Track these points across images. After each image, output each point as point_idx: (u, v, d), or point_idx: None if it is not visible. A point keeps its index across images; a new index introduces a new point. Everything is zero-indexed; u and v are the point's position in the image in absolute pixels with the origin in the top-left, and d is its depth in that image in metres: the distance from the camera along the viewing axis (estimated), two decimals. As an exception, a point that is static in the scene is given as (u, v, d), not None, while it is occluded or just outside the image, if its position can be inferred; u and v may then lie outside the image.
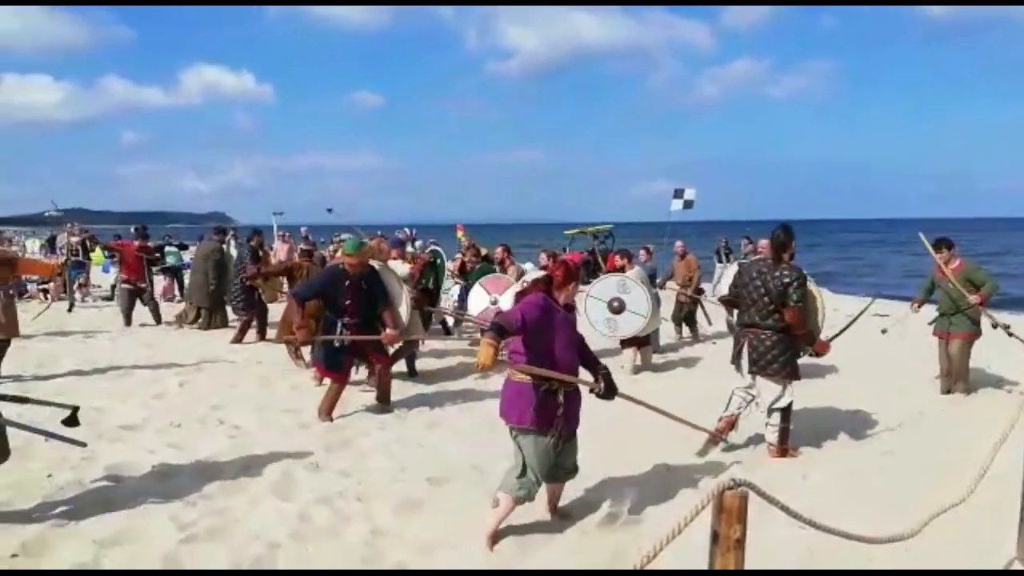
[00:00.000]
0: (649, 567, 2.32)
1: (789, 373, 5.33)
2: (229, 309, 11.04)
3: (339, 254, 7.11)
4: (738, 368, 5.53)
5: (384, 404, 6.55)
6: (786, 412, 5.40)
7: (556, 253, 11.05)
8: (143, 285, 11.45)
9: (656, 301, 8.64)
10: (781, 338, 5.25)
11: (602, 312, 8.30)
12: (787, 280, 5.14)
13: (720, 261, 19.34)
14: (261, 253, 10.73)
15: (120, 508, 4.21)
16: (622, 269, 8.72)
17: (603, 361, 4.41)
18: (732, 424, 5.65)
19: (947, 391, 7.43)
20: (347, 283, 6.17)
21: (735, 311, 5.79)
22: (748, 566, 2.35)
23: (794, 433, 5.64)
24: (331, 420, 6.12)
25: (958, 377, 7.38)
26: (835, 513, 4.30)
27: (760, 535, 3.74)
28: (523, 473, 3.97)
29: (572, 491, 4.75)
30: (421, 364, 8.64)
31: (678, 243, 10.06)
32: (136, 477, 4.71)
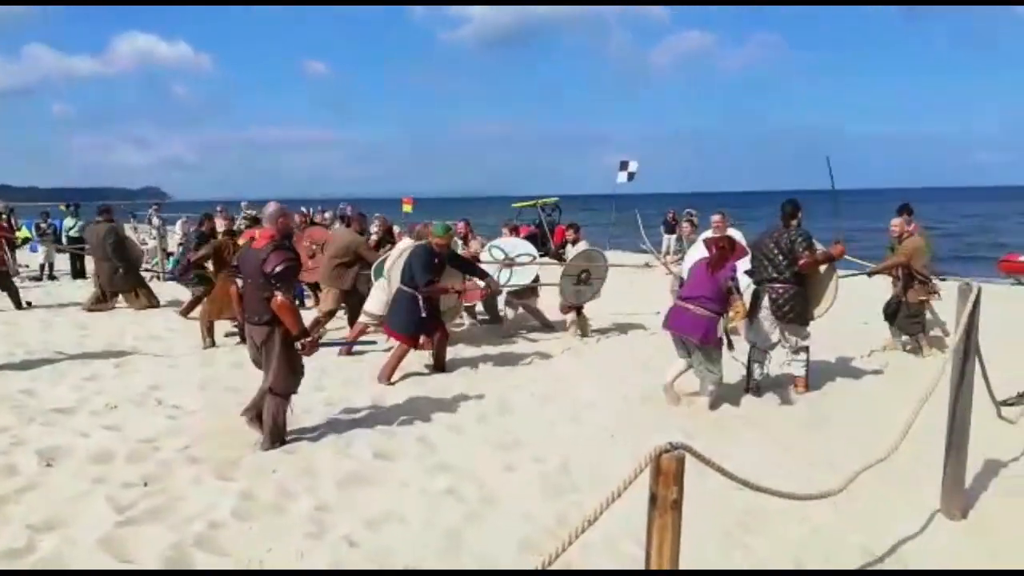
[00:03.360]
0: (591, 530, 2.37)
1: (805, 319, 6.31)
2: (178, 285, 10.74)
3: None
4: (750, 322, 6.33)
5: (442, 369, 7.18)
6: (807, 350, 6.37)
7: (517, 227, 11.59)
8: (2, 268, 10.86)
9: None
10: (798, 291, 6.20)
11: (569, 284, 8.80)
12: (795, 237, 6.20)
13: (667, 232, 19.71)
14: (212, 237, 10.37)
15: (53, 492, 4.09)
16: (574, 243, 9.23)
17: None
18: (757, 389, 6.37)
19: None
20: (436, 261, 6.93)
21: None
22: (685, 526, 2.42)
23: (729, 393, 6.20)
24: (391, 384, 6.64)
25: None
26: (770, 473, 4.48)
27: (697, 496, 3.86)
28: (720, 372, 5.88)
29: (519, 459, 4.81)
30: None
31: (715, 216, 9.31)
32: (70, 461, 4.56)
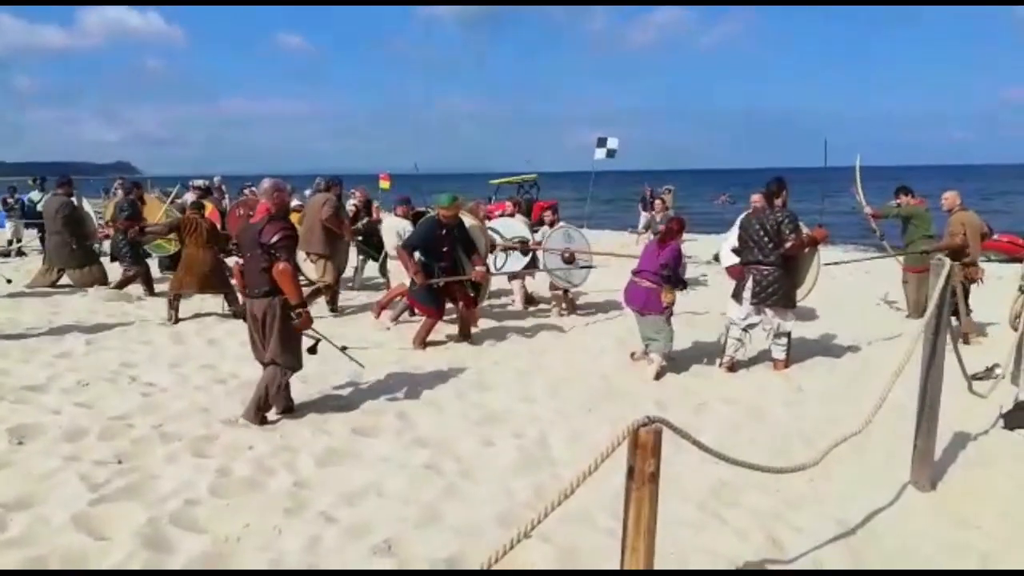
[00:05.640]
0: (569, 502, 2.38)
1: (789, 302, 6.29)
2: (112, 261, 10.57)
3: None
4: (738, 301, 6.37)
5: (467, 338, 7.32)
6: (789, 334, 6.40)
7: (519, 202, 11.75)
8: None
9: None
10: (782, 273, 6.18)
11: (557, 262, 8.75)
12: (780, 219, 6.14)
13: (645, 210, 19.78)
14: (140, 206, 10.17)
15: (25, 470, 4.03)
16: (551, 224, 9.10)
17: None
18: (733, 366, 6.41)
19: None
20: (443, 232, 6.97)
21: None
22: (662, 499, 2.44)
23: (706, 369, 6.39)
24: (424, 349, 6.95)
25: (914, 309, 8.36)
26: (745, 446, 4.55)
27: (674, 469, 3.91)
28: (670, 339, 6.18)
29: (498, 434, 4.83)
30: (340, 318, 8.59)
31: (755, 196, 9.18)
32: (42, 439, 4.49)
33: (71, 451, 4.31)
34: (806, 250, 6.40)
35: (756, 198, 7.63)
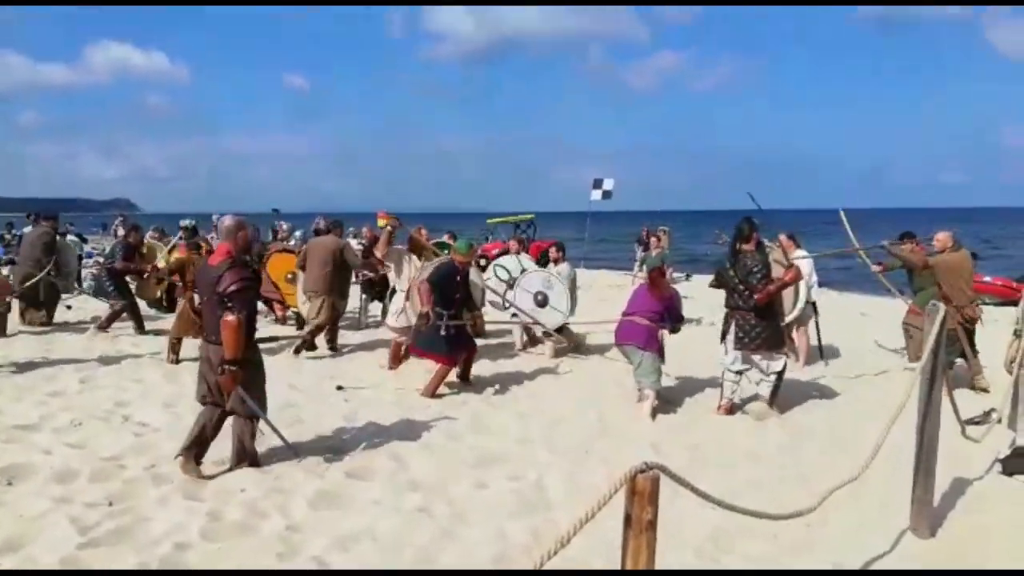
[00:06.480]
0: (563, 551, 2.35)
1: (777, 344, 6.21)
2: (93, 297, 10.47)
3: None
4: (725, 345, 6.27)
5: (466, 381, 7.24)
6: (780, 374, 6.27)
7: (523, 240, 12.01)
8: None
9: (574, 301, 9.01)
10: (762, 318, 6.07)
11: (529, 303, 8.73)
12: (750, 267, 6.03)
13: (644, 249, 19.92)
14: (143, 250, 10.01)
15: (14, 512, 3.97)
16: (555, 262, 9.16)
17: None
18: (730, 409, 6.35)
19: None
20: (459, 279, 6.94)
21: None
22: (659, 547, 2.42)
23: (703, 412, 6.36)
24: (435, 399, 6.67)
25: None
26: (742, 490, 4.51)
27: (671, 516, 3.87)
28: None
29: (492, 477, 4.79)
30: (338, 358, 8.57)
31: (782, 236, 9.20)
32: (32, 479, 4.44)
33: (62, 492, 4.26)
34: (782, 292, 6.34)
35: (782, 239, 7.87)
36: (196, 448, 4.64)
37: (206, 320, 4.66)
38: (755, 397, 6.47)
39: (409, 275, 7.79)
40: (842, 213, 9.17)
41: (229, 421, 4.76)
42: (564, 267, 9.08)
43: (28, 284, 9.50)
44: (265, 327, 10.19)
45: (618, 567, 2.43)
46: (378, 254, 8.39)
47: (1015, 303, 6.71)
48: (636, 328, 6.38)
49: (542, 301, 8.72)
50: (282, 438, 4.93)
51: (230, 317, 4.33)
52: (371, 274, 10.04)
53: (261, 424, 4.82)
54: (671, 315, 6.44)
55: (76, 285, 13.72)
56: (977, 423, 5.68)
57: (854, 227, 8.97)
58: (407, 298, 7.72)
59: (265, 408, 4.80)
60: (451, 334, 6.83)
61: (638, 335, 6.35)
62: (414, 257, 7.99)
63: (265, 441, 5.09)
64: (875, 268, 8.93)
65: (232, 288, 4.34)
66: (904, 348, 8.47)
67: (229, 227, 4.61)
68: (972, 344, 7.35)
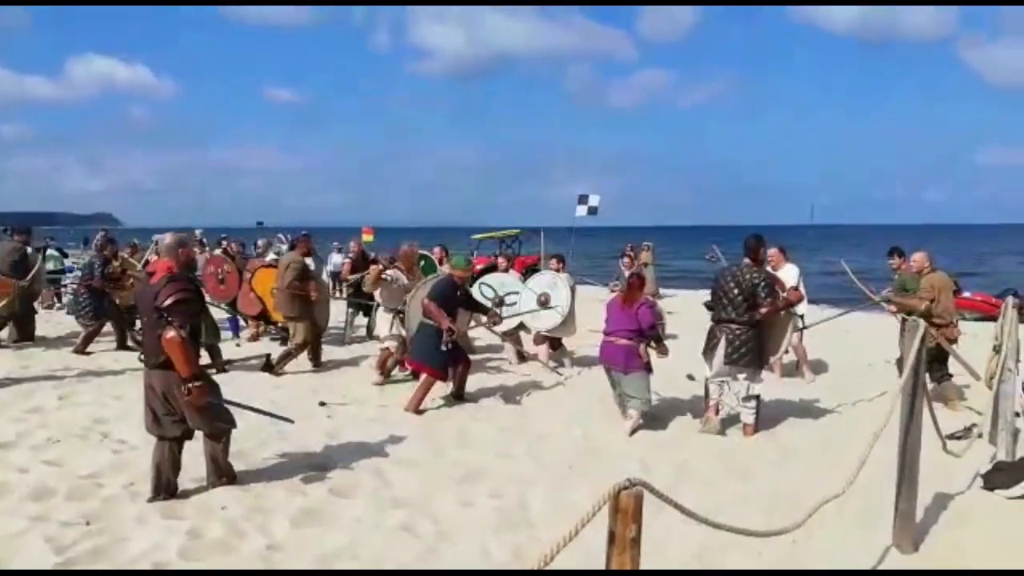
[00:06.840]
0: (548, 568, 2.33)
1: (760, 363, 6.22)
2: (67, 316, 10.29)
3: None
4: (708, 360, 6.25)
5: (460, 399, 7.17)
6: (759, 397, 6.24)
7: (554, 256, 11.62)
8: None
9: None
10: (754, 333, 6.07)
11: (531, 302, 8.92)
12: (756, 281, 6.02)
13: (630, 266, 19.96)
14: (116, 263, 9.64)
15: (-13, 532, 3.90)
16: (557, 271, 9.50)
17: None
18: (716, 409, 6.32)
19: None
20: (458, 294, 7.03)
21: None
22: (643, 564, 2.40)
23: (687, 427, 6.38)
24: (419, 414, 6.67)
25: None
26: (727, 506, 4.50)
27: (656, 532, 3.85)
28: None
29: (475, 494, 4.76)
30: (321, 373, 8.51)
31: (772, 250, 9.05)
32: (7, 497, 4.35)
33: (37, 511, 4.18)
34: (781, 312, 6.29)
35: (773, 252, 7.83)
36: (163, 489, 4.42)
37: (146, 344, 4.41)
38: (739, 413, 6.47)
39: (399, 294, 7.82)
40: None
41: (191, 441, 4.62)
42: (566, 275, 9.40)
43: (2, 304, 9.15)
44: (244, 345, 10.12)
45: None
46: (366, 289, 8.68)
47: (994, 318, 6.73)
48: (616, 350, 6.34)
49: (544, 301, 8.90)
50: (270, 414, 5.10)
51: (170, 334, 4.05)
52: (351, 287, 10.00)
53: (246, 413, 4.83)
54: (643, 330, 6.28)
55: (55, 300, 13.49)
56: (958, 438, 5.72)
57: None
58: (397, 314, 7.85)
59: (232, 419, 4.66)
60: (448, 348, 6.85)
61: (617, 357, 6.33)
62: (400, 276, 7.98)
63: (246, 459, 5.04)
64: (892, 308, 8.55)
65: (170, 300, 4.09)
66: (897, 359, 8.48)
67: (170, 244, 4.41)
68: (945, 367, 7.34)
